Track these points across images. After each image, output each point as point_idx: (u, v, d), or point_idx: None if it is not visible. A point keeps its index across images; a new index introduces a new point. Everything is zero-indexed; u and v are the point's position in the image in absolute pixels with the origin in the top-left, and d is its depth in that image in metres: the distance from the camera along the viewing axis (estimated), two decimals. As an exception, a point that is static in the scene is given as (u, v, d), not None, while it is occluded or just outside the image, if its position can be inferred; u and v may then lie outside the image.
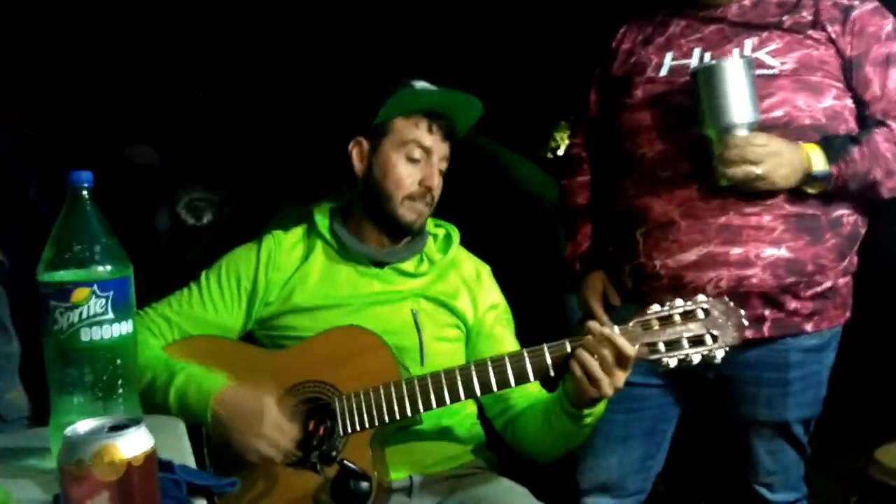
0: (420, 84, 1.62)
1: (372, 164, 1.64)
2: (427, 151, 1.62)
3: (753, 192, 1.60)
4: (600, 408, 1.44)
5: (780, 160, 1.55)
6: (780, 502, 1.79)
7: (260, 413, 1.43)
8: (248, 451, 1.42)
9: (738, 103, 1.55)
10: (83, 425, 0.80)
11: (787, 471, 1.78)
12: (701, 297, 1.40)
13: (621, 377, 1.37)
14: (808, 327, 1.67)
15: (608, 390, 1.36)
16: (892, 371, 2.19)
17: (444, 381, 1.44)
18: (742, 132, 1.55)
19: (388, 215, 1.63)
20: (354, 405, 1.46)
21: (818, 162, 1.57)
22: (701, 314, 1.39)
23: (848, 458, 1.89)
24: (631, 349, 1.35)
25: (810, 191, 1.61)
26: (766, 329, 1.65)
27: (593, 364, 1.35)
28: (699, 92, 1.59)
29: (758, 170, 1.54)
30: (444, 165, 1.66)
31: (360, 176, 1.66)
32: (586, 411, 1.43)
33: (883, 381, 2.20)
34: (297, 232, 1.70)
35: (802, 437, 1.76)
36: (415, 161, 1.62)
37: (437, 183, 1.63)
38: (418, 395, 1.45)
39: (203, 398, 1.45)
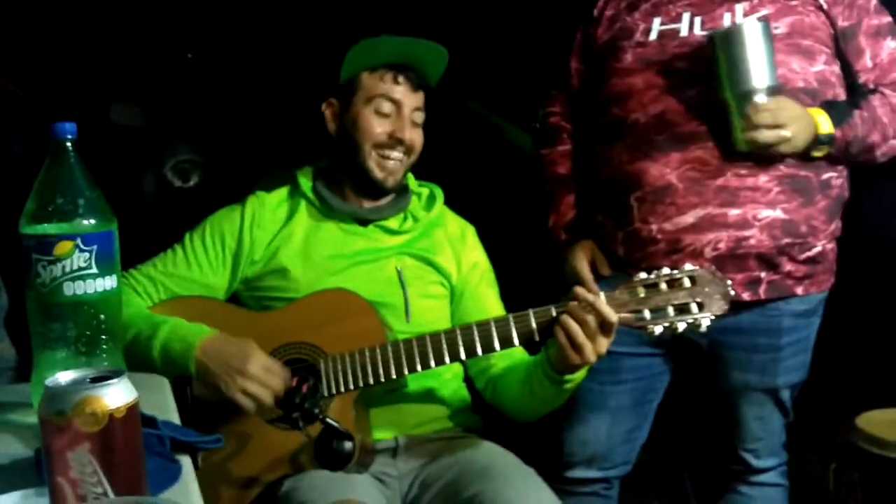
0: (383, 37, 1.60)
1: (343, 123, 1.63)
2: (397, 104, 1.60)
3: (748, 154, 1.61)
4: (582, 374, 1.45)
5: (802, 123, 1.58)
6: (764, 468, 1.82)
7: (245, 356, 1.42)
8: (238, 394, 1.41)
9: (760, 67, 1.56)
10: (65, 376, 0.79)
11: (773, 436, 1.81)
12: (688, 266, 1.41)
13: (604, 343, 1.37)
14: (800, 291, 1.69)
15: (591, 357, 1.37)
16: (871, 341, 2.21)
17: (429, 345, 1.45)
18: (763, 96, 1.56)
19: (360, 170, 1.62)
20: (339, 366, 1.46)
21: (825, 125, 1.61)
22: (687, 282, 1.39)
23: (826, 428, 1.91)
24: (613, 315, 1.35)
25: (816, 154, 1.63)
26: (762, 291, 1.66)
27: (576, 330, 1.36)
28: (717, 56, 1.59)
29: (787, 133, 1.56)
30: (418, 117, 1.64)
31: (334, 136, 1.66)
32: (568, 377, 1.43)
33: (862, 351, 2.22)
34: (281, 192, 1.69)
35: (788, 403, 1.79)
36: (385, 115, 1.60)
37: (409, 135, 1.61)
38: (403, 358, 1.45)
39: (186, 349, 1.44)
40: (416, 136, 1.63)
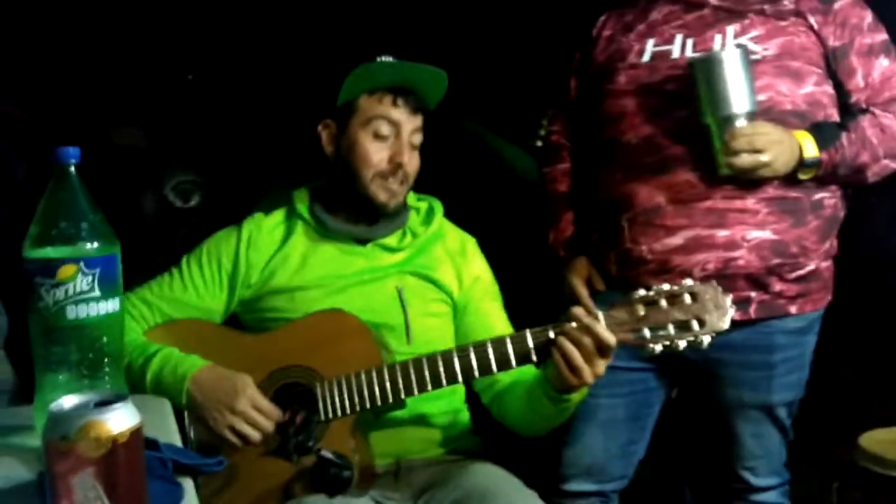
0: (382, 59, 1.59)
1: (340, 146, 1.62)
2: (396, 126, 1.59)
3: (735, 177, 1.61)
4: (581, 393, 1.44)
5: (782, 147, 1.59)
6: (764, 486, 1.81)
7: (235, 391, 1.43)
8: (225, 430, 1.43)
9: (739, 93, 1.57)
10: (68, 400, 0.79)
11: (771, 455, 1.80)
12: (688, 282, 1.39)
13: (601, 365, 1.37)
14: (793, 309, 1.69)
15: (588, 378, 1.36)
16: (872, 360, 2.21)
17: (426, 368, 1.43)
18: (743, 121, 1.57)
19: (360, 195, 1.60)
20: (336, 390, 1.46)
21: (810, 148, 1.61)
22: (688, 299, 1.37)
23: (827, 447, 1.91)
24: (611, 339, 1.35)
25: (802, 177, 1.64)
26: (752, 311, 1.67)
27: (574, 352, 1.35)
28: (698, 82, 1.61)
29: (764, 157, 1.56)
30: (417, 139, 1.62)
31: (331, 158, 1.64)
32: (566, 396, 1.43)
33: (863, 370, 2.22)
34: (278, 215, 1.69)
35: (786, 421, 1.78)
36: (383, 138, 1.59)
37: (407, 159, 1.59)
38: (400, 380, 1.44)
39: (178, 380, 1.45)
40: (413, 161, 1.61)
